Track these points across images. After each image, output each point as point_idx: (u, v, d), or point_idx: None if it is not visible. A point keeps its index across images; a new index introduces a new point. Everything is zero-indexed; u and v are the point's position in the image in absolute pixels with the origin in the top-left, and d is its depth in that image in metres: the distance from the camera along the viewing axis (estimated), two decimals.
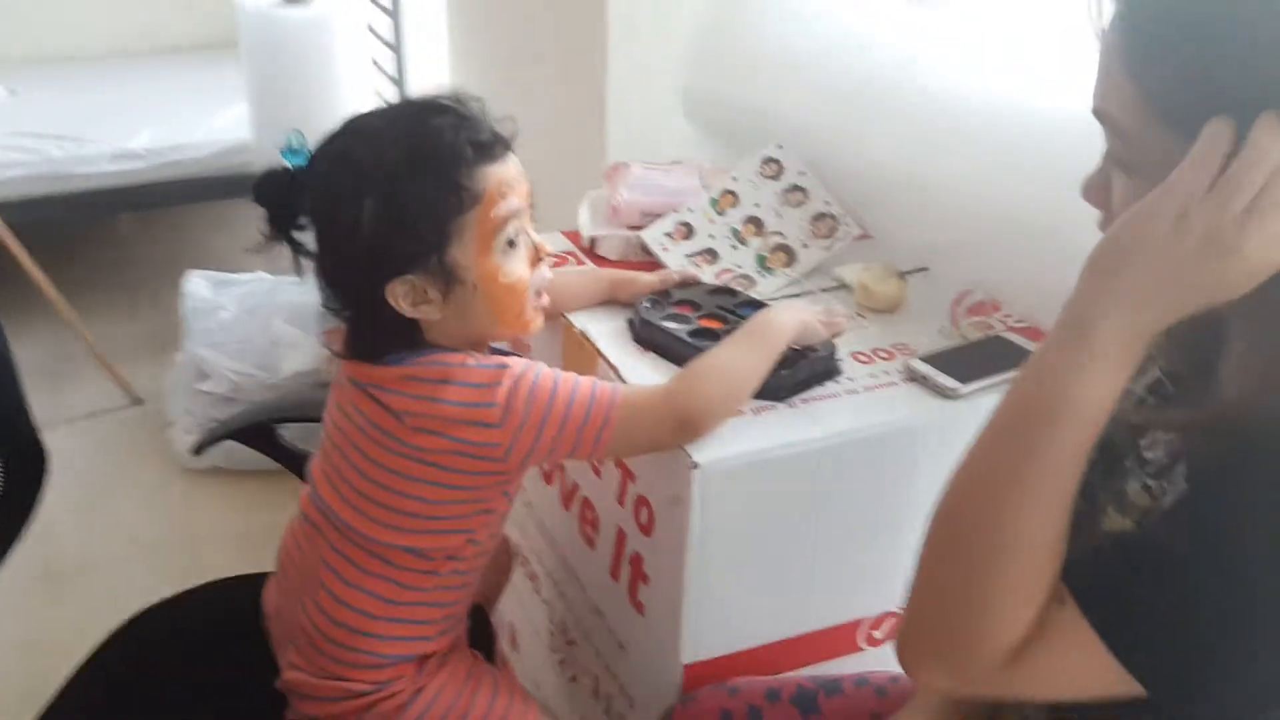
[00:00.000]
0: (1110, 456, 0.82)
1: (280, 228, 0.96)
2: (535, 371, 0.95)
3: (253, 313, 2.46)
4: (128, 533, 2.20)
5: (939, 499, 0.76)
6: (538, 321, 1.01)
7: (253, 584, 1.16)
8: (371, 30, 3.03)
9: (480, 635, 1.20)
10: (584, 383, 0.96)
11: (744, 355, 1.01)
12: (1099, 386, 0.67)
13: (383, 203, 0.89)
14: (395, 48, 3.02)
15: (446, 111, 0.93)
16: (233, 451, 2.32)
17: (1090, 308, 0.67)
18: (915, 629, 0.74)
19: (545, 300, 1.01)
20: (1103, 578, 0.68)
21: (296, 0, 2.72)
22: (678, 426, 0.97)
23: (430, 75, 3.02)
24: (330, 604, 1.02)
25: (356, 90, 2.89)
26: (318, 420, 1.08)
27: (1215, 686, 0.64)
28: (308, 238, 0.99)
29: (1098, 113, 0.70)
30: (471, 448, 0.94)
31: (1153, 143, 0.66)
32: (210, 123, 3.09)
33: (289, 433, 1.42)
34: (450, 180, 0.90)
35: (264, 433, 1.39)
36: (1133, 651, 0.66)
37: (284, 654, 1.07)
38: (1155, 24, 0.65)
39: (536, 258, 0.99)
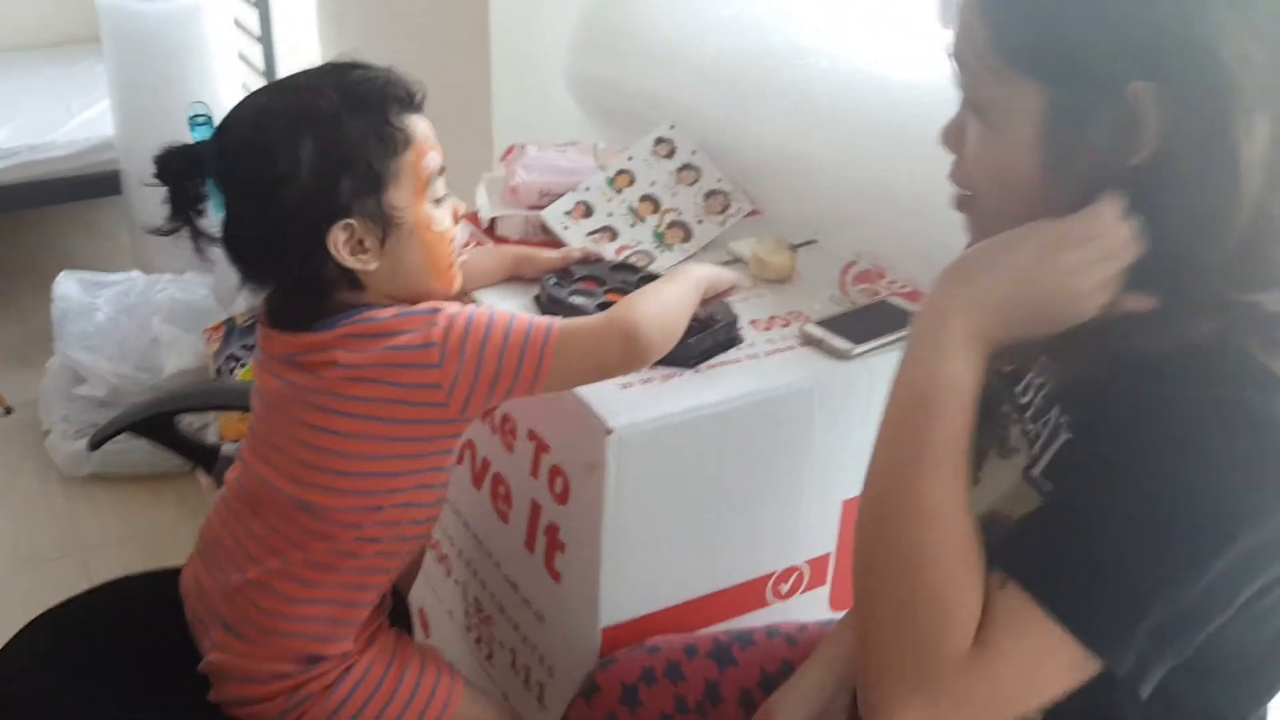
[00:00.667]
0: (987, 404, 0.88)
1: (181, 208, 0.95)
2: (470, 310, 0.96)
3: (129, 313, 2.39)
4: (8, 546, 2.11)
5: (859, 511, 0.77)
6: (458, 281, 1.03)
7: (159, 579, 1.14)
8: (238, 23, 2.95)
9: (398, 615, 1.21)
10: (521, 316, 0.97)
11: (674, 288, 1.04)
12: (960, 372, 0.72)
13: (322, 141, 0.91)
14: (263, 40, 2.95)
15: (364, 66, 0.96)
16: (114, 457, 2.26)
17: (944, 303, 0.73)
18: (874, 653, 0.72)
19: (463, 259, 1.04)
20: (1035, 553, 0.70)
21: None
22: (624, 344, 0.96)
23: (301, 67, 2.96)
24: (260, 578, 1.01)
25: (224, 84, 2.82)
26: (216, 409, 1.07)
27: (1158, 620, 0.66)
28: (208, 222, 0.98)
29: (954, 56, 0.76)
30: (412, 391, 0.94)
31: (999, 84, 0.71)
32: (73, 121, 2.97)
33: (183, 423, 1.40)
34: (381, 121, 0.93)
35: (164, 424, 1.36)
36: (1073, 609, 0.67)
37: (206, 636, 1.06)
38: None
39: (456, 215, 1.02)
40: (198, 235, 0.98)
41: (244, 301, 2.19)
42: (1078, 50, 0.68)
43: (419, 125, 0.97)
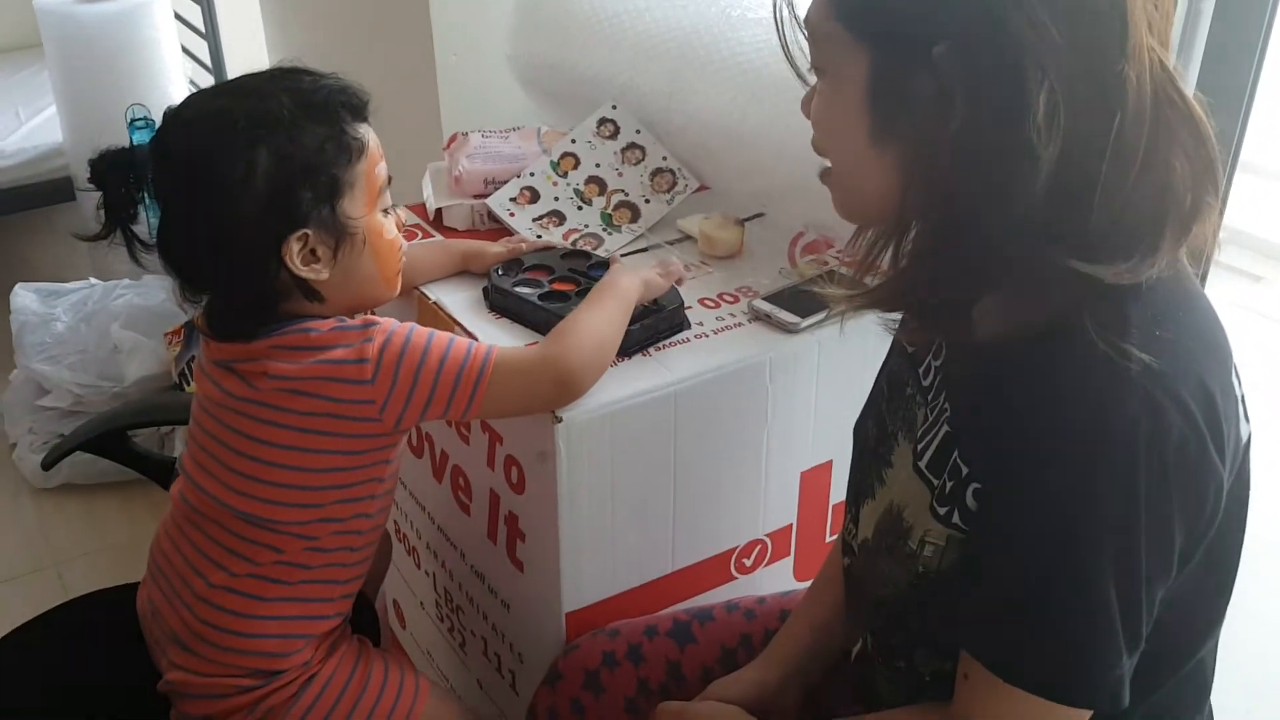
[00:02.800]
0: (895, 385, 0.90)
1: (116, 213, 0.94)
2: (408, 328, 0.96)
3: (88, 321, 2.37)
4: None
5: None
6: (399, 286, 1.05)
7: (123, 594, 1.13)
8: (180, 19, 2.91)
9: (364, 621, 1.21)
10: (459, 341, 0.97)
11: (605, 314, 1.04)
12: None
13: (280, 149, 0.90)
14: (208, 35, 2.91)
15: (312, 73, 0.95)
16: (83, 466, 2.24)
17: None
18: None
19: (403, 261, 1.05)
20: (995, 635, 0.74)
21: None
22: (556, 386, 0.98)
23: (248, 62, 2.93)
24: (209, 595, 1.01)
25: (172, 82, 2.78)
26: (169, 423, 1.07)
27: (1106, 654, 0.70)
28: (140, 229, 0.97)
29: (805, 22, 0.78)
30: (344, 406, 0.94)
31: (835, 48, 0.74)
32: (21, 129, 2.93)
33: (140, 438, 1.39)
34: (340, 129, 0.93)
35: (116, 440, 1.36)
36: (1027, 671, 0.72)
37: (163, 655, 1.06)
38: None
39: (400, 225, 1.03)
40: (132, 241, 0.97)
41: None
42: (893, 13, 0.70)
43: (370, 134, 0.98)
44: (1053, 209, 0.67)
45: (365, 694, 1.06)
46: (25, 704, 1.07)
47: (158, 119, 0.97)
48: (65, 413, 2.27)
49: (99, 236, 0.96)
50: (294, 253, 0.92)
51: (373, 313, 1.06)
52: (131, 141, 0.97)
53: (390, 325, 0.96)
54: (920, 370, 0.85)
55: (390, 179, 1.01)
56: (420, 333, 0.96)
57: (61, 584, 2.03)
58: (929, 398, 0.82)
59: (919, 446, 0.81)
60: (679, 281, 1.17)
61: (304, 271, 0.93)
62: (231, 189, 0.89)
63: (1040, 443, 0.69)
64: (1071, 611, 0.70)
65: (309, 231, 0.92)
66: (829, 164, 0.81)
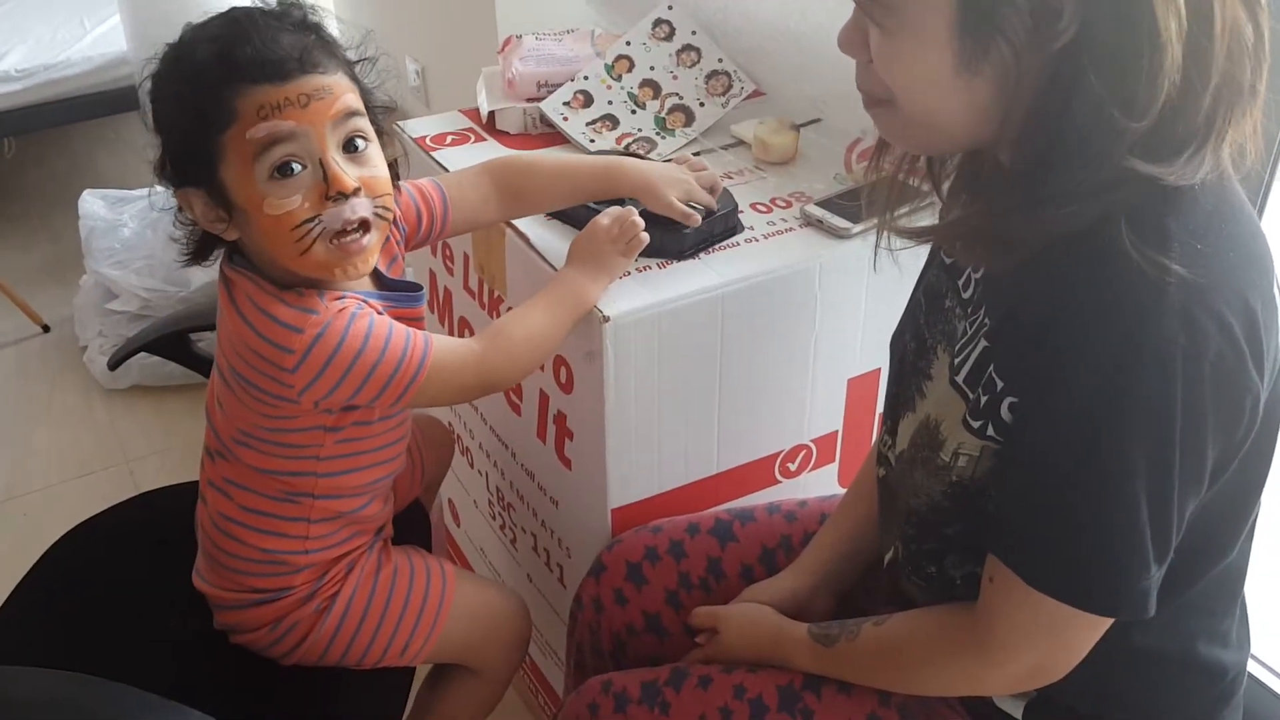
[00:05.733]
0: (933, 297, 0.88)
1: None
2: (345, 323, 0.91)
3: (154, 227, 2.41)
4: (56, 459, 2.19)
5: None
6: (345, 267, 0.91)
7: (185, 493, 1.15)
8: None
9: (415, 533, 1.23)
10: (396, 338, 0.93)
11: (553, 319, 1.02)
12: None
13: (157, 111, 0.91)
14: None
15: (233, 24, 0.89)
16: (151, 368, 2.32)
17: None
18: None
19: (365, 241, 0.91)
20: (1023, 540, 0.74)
21: None
22: (482, 388, 1.01)
23: None
24: (210, 514, 1.04)
25: None
26: None
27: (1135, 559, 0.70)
28: None
29: None
30: (264, 380, 0.92)
31: None
32: (87, 38, 2.96)
33: (204, 342, 1.42)
34: (197, 96, 0.87)
35: (178, 342, 1.39)
36: (1050, 576, 0.72)
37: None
38: None
39: (325, 194, 0.88)
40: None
41: None
42: None
43: (255, 96, 0.86)
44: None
45: (391, 603, 1.07)
46: (89, 597, 1.12)
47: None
48: (133, 316, 2.33)
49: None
50: (193, 205, 0.91)
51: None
52: None
53: (328, 316, 0.91)
54: (960, 282, 0.84)
55: (291, 134, 0.87)
56: (358, 330, 0.91)
57: (133, 481, 2.11)
58: (969, 310, 0.82)
59: (955, 360, 0.80)
60: (713, 190, 1.15)
61: (210, 228, 0.92)
62: (155, 135, 0.92)
63: (1074, 357, 0.68)
64: (1100, 521, 0.70)
65: (200, 191, 0.90)
66: (884, 97, 0.76)
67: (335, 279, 0.92)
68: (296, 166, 0.88)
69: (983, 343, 0.77)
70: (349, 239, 0.90)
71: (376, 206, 0.92)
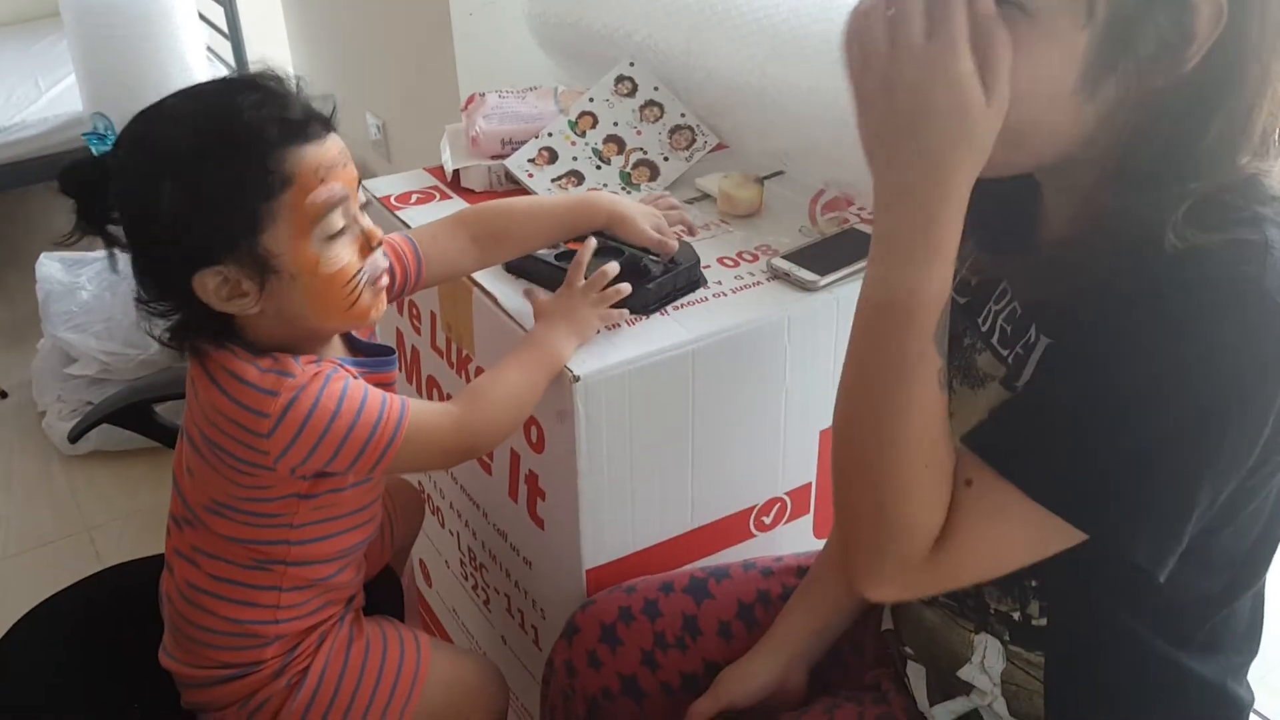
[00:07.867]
0: (950, 336, 0.89)
1: (91, 219, 0.90)
2: (319, 386, 0.90)
3: (112, 290, 2.39)
4: (16, 528, 2.14)
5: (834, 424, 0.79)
6: (377, 311, 0.95)
7: (151, 566, 1.12)
8: None
9: (387, 600, 1.21)
10: (372, 401, 0.92)
11: (528, 378, 1.01)
12: (943, 277, 0.71)
13: (180, 187, 0.84)
14: (227, 2, 2.90)
15: (254, 89, 0.87)
16: (112, 433, 2.26)
17: (925, 198, 0.69)
18: (850, 552, 0.77)
19: (384, 283, 0.96)
20: (1010, 442, 0.72)
21: None
22: (462, 452, 1.01)
23: (263, 20, 2.93)
24: (177, 584, 1.01)
25: (188, 49, 2.77)
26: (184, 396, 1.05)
27: (1140, 506, 0.68)
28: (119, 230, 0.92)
29: None
30: (239, 448, 0.91)
31: None
32: (42, 99, 2.94)
33: (166, 410, 1.40)
34: (252, 162, 0.84)
35: (140, 412, 1.37)
36: (1056, 494, 0.69)
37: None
38: None
39: (367, 246, 0.92)
40: (110, 242, 0.92)
41: None
42: None
43: (308, 159, 0.86)
44: None
45: (364, 677, 1.04)
46: (56, 675, 1.08)
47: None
48: (93, 380, 2.30)
49: (65, 242, 0.93)
50: (209, 288, 0.87)
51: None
52: (92, 151, 0.92)
53: (304, 379, 0.90)
54: (979, 319, 0.84)
55: (342, 197, 0.89)
56: (332, 393, 0.90)
57: (94, 549, 2.07)
58: (997, 338, 0.82)
59: (1015, 373, 0.79)
60: (691, 231, 1.15)
61: (228, 307, 0.88)
62: (143, 221, 0.87)
63: (1178, 323, 0.66)
64: (1120, 452, 0.67)
65: (223, 269, 0.86)
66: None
67: (370, 323, 0.97)
68: (350, 226, 0.91)
69: (1046, 341, 0.76)
70: (381, 284, 0.96)
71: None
